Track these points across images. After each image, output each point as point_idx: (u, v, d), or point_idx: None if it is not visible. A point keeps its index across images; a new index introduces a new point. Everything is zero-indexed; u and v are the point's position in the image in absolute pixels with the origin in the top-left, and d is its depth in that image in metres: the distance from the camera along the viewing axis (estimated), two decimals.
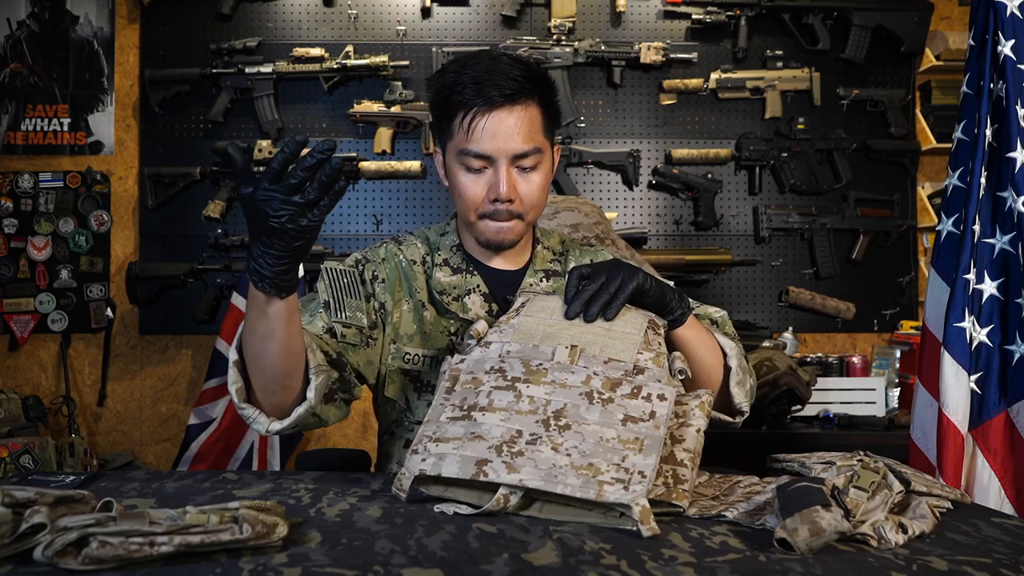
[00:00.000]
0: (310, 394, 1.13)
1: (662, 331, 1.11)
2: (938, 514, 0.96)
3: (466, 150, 1.28)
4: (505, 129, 1.27)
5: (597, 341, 1.07)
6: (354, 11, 3.30)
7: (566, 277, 1.25)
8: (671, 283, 1.33)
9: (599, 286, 1.11)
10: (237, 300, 2.97)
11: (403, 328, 1.37)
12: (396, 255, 1.40)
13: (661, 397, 0.98)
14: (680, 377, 1.04)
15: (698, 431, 1.01)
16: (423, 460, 0.96)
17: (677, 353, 1.07)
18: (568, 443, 0.93)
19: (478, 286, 1.38)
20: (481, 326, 1.14)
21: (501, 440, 0.95)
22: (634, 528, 0.87)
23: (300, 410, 1.13)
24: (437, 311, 1.38)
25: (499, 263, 1.41)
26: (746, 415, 1.32)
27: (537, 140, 1.30)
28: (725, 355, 1.28)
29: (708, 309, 1.41)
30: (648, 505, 0.86)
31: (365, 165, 3.22)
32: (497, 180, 1.28)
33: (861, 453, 1.07)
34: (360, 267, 1.37)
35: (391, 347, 1.36)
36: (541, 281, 1.41)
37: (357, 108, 3.23)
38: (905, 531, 0.87)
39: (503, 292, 1.39)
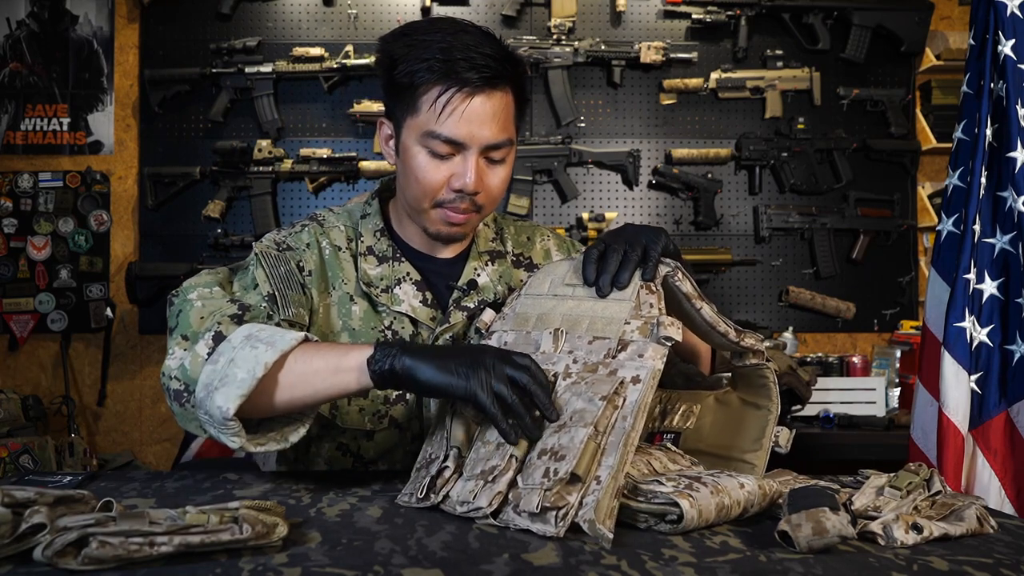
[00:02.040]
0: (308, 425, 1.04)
1: (657, 287, 1.00)
2: (989, 525, 0.93)
3: (435, 133, 1.15)
4: (483, 116, 1.15)
5: (587, 314, 1.01)
6: (354, 11, 3.30)
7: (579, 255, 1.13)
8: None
9: (623, 255, 1.01)
10: None
11: (328, 324, 1.23)
12: (320, 241, 1.26)
13: (635, 380, 0.92)
14: (667, 344, 0.94)
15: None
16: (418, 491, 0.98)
17: (665, 319, 0.95)
18: (536, 472, 0.90)
19: (408, 274, 1.26)
20: (487, 315, 1.10)
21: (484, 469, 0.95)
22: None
23: (293, 438, 1.02)
24: (371, 305, 1.25)
25: (438, 251, 1.30)
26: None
27: (510, 131, 1.19)
28: None
29: None
30: (592, 511, 0.83)
31: (365, 165, 3.22)
32: (465, 169, 1.16)
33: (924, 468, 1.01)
34: (283, 252, 1.22)
35: None
36: (487, 265, 1.31)
37: (357, 108, 3.23)
38: (919, 531, 0.86)
39: (440, 280, 1.28)
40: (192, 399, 1.01)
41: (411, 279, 1.26)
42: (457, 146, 1.16)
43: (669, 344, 0.94)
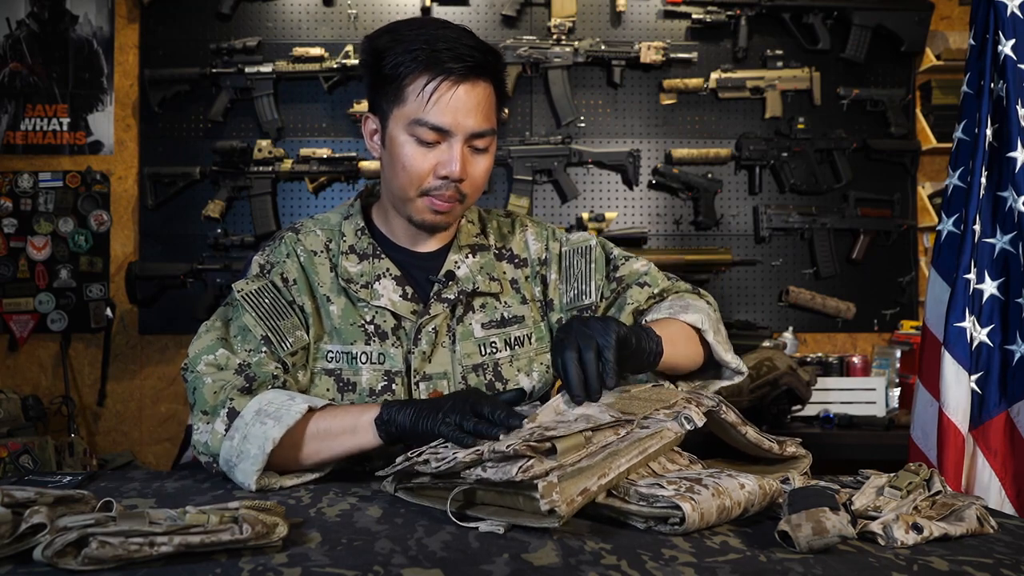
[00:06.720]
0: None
1: (701, 407, 1.05)
2: (989, 525, 0.93)
3: (422, 120, 1.20)
4: (467, 105, 1.20)
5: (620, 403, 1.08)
6: (354, 11, 3.30)
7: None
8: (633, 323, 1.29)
9: (582, 360, 1.03)
10: None
11: (321, 327, 1.28)
12: (296, 249, 1.31)
13: (643, 427, 0.98)
14: (688, 427, 1.00)
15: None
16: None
17: (693, 409, 1.02)
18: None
19: (387, 270, 1.30)
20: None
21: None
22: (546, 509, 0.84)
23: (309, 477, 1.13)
24: (349, 301, 1.29)
25: (421, 245, 1.34)
26: (745, 372, 1.33)
27: (492, 121, 1.25)
28: (699, 330, 1.27)
29: (633, 266, 1.39)
30: (555, 480, 0.84)
31: (365, 165, 3.22)
32: (450, 157, 1.21)
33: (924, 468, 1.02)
34: (267, 274, 1.29)
35: (312, 348, 1.27)
36: (467, 257, 1.34)
37: (357, 108, 3.23)
38: (919, 531, 0.86)
39: (420, 274, 1.32)
40: (218, 468, 1.13)
41: (391, 275, 1.30)
42: (443, 133, 1.21)
43: (689, 425, 1.00)
